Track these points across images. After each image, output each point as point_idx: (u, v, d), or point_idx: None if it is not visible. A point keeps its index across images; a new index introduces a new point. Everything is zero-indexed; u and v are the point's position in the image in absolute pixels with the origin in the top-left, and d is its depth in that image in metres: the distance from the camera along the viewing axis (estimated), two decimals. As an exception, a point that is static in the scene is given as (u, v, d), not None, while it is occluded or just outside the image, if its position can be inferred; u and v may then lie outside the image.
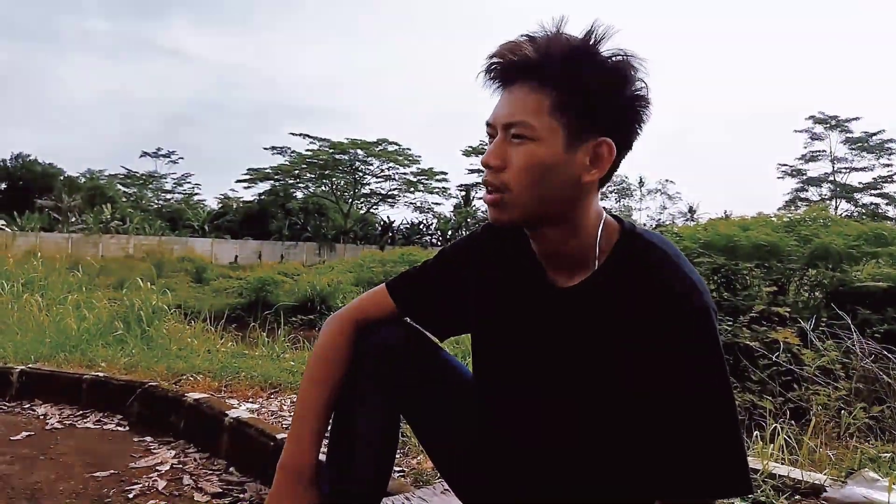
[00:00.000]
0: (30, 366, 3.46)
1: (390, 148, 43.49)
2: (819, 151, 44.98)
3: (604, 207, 1.09)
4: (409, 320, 1.27)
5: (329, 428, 1.25)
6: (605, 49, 0.98)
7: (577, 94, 0.97)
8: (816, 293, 5.46)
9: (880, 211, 42.07)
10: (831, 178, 44.65)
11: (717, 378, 0.96)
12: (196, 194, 55.93)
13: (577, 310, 1.05)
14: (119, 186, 51.99)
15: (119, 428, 2.88)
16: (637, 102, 1.00)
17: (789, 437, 2.32)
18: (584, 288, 1.05)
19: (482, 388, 1.22)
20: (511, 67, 1.01)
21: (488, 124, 1.05)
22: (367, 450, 1.19)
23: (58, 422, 2.93)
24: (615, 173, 1.07)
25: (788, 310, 4.58)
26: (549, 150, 0.98)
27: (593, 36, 0.98)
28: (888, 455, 2.09)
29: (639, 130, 1.03)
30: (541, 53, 0.98)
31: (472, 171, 47.32)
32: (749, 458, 2.00)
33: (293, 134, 55.72)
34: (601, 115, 0.99)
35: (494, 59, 1.02)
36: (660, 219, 50.39)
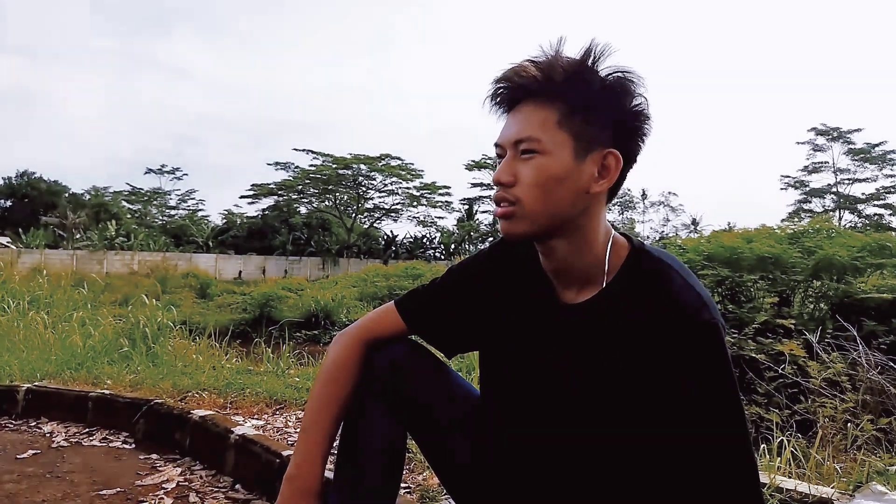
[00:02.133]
0: (36, 383, 3.47)
1: (393, 163, 43.68)
2: (822, 163, 45.04)
3: (613, 225, 1.11)
4: (416, 338, 1.28)
5: (336, 444, 1.25)
6: (605, 65, 1.02)
7: (582, 106, 1.01)
8: (821, 305, 5.44)
9: (884, 221, 41.98)
10: (834, 189, 44.62)
11: (728, 393, 0.96)
12: (200, 210, 56.26)
13: (586, 326, 1.06)
14: (124, 203, 52.33)
15: (125, 445, 2.88)
16: (639, 115, 1.04)
17: (796, 449, 2.31)
18: (593, 304, 1.06)
19: (490, 404, 1.23)
20: (516, 89, 1.04)
21: (497, 145, 1.08)
22: (375, 466, 1.20)
23: (64, 440, 2.93)
24: (621, 188, 1.09)
25: (793, 322, 4.57)
26: (559, 162, 1.01)
27: (592, 53, 1.02)
28: (895, 468, 2.08)
29: (641, 144, 1.06)
30: (544, 73, 1.01)
31: (474, 185, 47.47)
32: (756, 472, 2.00)
33: (296, 150, 56.23)
34: (606, 127, 1.02)
35: (500, 84, 1.06)
36: (663, 231, 50.46)
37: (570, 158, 1.01)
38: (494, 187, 1.06)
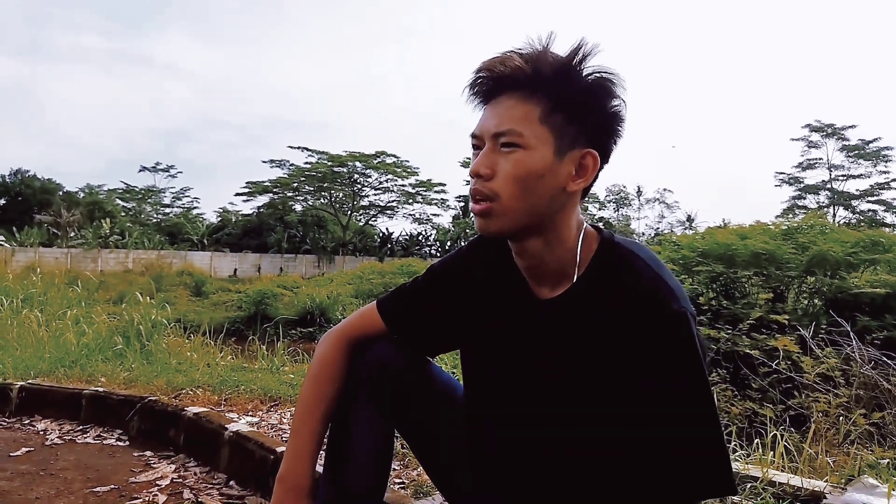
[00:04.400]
0: (29, 381, 3.46)
1: (388, 160, 43.60)
2: (816, 159, 45.16)
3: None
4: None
5: (325, 443, 1.26)
6: (590, 65, 1.01)
7: (566, 104, 1.00)
8: (815, 300, 5.47)
9: (878, 217, 42.15)
10: (828, 185, 44.75)
11: (697, 381, 0.97)
12: (195, 208, 56.12)
13: (559, 320, 1.07)
14: (118, 201, 52.16)
15: (119, 443, 2.87)
16: (616, 117, 1.04)
17: (789, 444, 2.32)
18: (565, 298, 1.07)
19: (472, 400, 1.23)
20: (501, 79, 1.02)
21: (474, 136, 1.06)
22: (362, 464, 1.21)
23: (58, 437, 2.93)
24: (595, 185, 1.10)
25: (787, 317, 4.59)
26: (539, 158, 1.00)
27: (581, 52, 1.00)
28: (887, 461, 2.09)
29: (615, 145, 1.06)
30: (532, 66, 1.00)
31: (470, 182, 47.37)
32: (749, 466, 2.02)
33: (291, 147, 56.04)
34: (587, 127, 1.02)
35: (483, 73, 1.04)
36: (658, 228, 50.44)
37: (551, 155, 1.00)
38: (471, 179, 1.05)
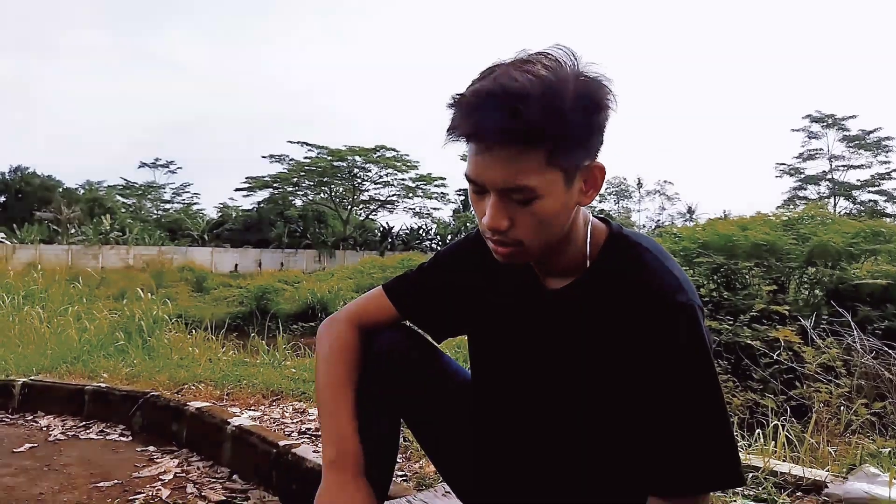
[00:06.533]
0: (32, 378, 3.47)
1: (388, 154, 43.52)
2: (816, 150, 45.11)
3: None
4: (407, 323, 1.28)
5: None
6: (577, 80, 0.93)
7: (565, 139, 0.93)
8: (816, 291, 5.47)
9: (879, 208, 42.12)
10: (829, 176, 44.71)
11: (704, 373, 0.97)
12: (195, 204, 56.10)
13: (567, 310, 1.07)
14: (118, 197, 52.12)
15: (122, 438, 2.88)
16: (608, 120, 0.98)
17: (791, 434, 2.33)
18: (573, 289, 1.07)
19: (480, 389, 1.24)
20: (488, 136, 0.92)
21: (473, 182, 0.98)
22: (369, 453, 1.20)
23: (61, 433, 2.94)
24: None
25: (788, 308, 4.59)
26: (554, 198, 0.96)
27: (566, 77, 0.92)
28: (888, 450, 2.09)
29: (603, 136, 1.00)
30: (518, 112, 0.89)
31: (486, 233, 47.30)
32: (751, 456, 2.02)
33: (291, 142, 55.73)
34: (587, 146, 0.97)
35: (464, 132, 0.93)
36: (659, 219, 50.36)
37: (562, 190, 0.96)
38: (486, 230, 0.99)
